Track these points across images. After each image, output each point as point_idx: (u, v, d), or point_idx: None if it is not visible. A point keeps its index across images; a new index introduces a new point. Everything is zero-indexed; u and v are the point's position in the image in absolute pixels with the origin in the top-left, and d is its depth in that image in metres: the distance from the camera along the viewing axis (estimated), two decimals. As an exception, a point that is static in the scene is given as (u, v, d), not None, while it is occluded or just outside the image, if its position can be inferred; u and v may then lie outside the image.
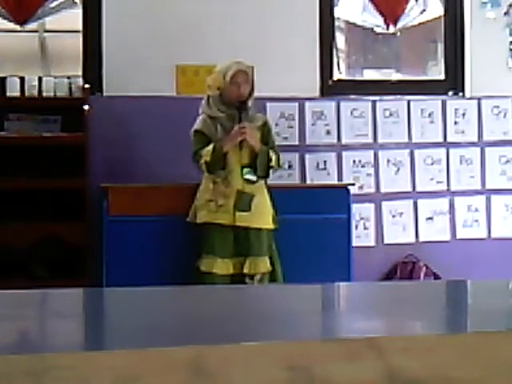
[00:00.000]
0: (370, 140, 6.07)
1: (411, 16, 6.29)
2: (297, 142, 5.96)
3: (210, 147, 4.89)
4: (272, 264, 5.00)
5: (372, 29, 6.33)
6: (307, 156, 5.98)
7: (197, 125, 5.03)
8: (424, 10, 6.32)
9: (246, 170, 4.94)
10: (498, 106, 6.19)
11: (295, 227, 5.16)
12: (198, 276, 4.87)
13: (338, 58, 6.28)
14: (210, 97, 5.04)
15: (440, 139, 6.14)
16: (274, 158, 4.99)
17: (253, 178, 4.95)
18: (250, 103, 5.02)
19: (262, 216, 4.97)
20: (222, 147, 4.88)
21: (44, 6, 5.82)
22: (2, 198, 5.57)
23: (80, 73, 5.84)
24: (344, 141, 6.04)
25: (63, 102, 5.67)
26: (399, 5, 6.21)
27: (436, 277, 5.93)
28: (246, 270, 4.90)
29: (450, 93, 6.24)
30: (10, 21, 5.80)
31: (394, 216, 6.07)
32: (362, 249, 5.87)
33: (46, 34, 6.22)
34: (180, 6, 5.86)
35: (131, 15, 5.84)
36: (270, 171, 5.01)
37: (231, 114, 4.97)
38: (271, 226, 5.00)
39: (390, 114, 6.09)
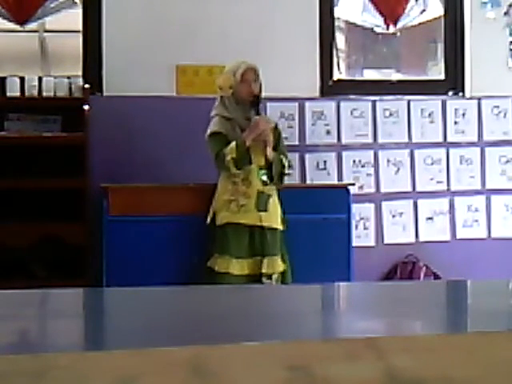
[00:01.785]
0: (369, 140, 6.07)
1: (411, 16, 6.29)
2: (297, 142, 5.96)
3: (233, 144, 4.83)
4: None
5: (372, 29, 6.34)
6: (307, 156, 5.98)
7: (213, 127, 4.94)
8: (424, 10, 6.32)
9: (262, 171, 4.94)
10: (498, 106, 6.19)
11: (295, 227, 5.16)
12: (212, 276, 4.83)
13: (338, 57, 6.28)
14: (225, 98, 4.96)
15: (440, 139, 6.14)
16: (286, 164, 5.01)
17: (267, 179, 4.95)
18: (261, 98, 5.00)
19: (276, 216, 4.98)
20: (245, 142, 4.85)
21: (44, 6, 5.82)
22: (2, 198, 5.57)
23: (80, 73, 5.84)
24: (344, 141, 6.04)
25: (63, 102, 5.68)
26: (399, 5, 6.21)
27: (436, 277, 5.93)
28: (264, 270, 4.89)
29: (450, 93, 6.24)
30: (10, 21, 5.80)
31: (394, 216, 6.07)
32: (362, 249, 5.87)
33: (45, 34, 6.22)
34: (180, 6, 5.86)
35: (131, 15, 5.84)
36: (284, 178, 5.03)
37: (247, 115, 4.95)
38: (282, 226, 5.01)
39: (390, 114, 6.09)
